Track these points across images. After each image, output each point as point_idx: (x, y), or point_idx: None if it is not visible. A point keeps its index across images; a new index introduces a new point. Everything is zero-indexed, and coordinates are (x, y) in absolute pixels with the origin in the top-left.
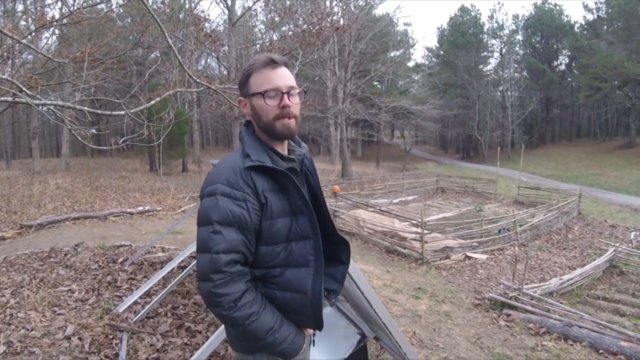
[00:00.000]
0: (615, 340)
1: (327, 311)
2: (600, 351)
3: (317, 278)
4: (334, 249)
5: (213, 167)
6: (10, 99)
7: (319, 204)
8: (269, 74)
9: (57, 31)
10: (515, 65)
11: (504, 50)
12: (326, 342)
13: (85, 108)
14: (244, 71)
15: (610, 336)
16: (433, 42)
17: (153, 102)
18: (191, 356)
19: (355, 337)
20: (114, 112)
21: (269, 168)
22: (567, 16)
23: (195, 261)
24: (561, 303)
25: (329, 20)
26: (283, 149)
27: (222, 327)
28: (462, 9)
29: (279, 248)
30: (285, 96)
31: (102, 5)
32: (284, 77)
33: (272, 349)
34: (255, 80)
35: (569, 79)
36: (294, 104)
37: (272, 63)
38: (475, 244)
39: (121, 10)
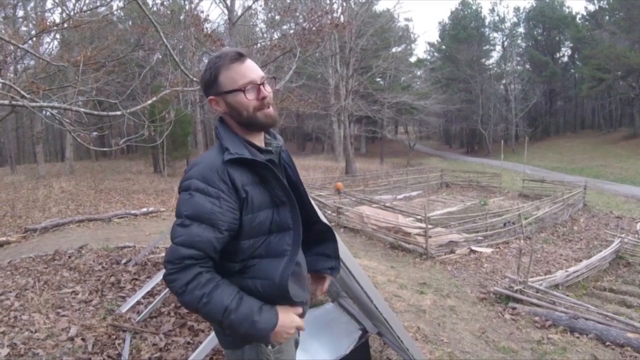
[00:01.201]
0: (622, 332)
1: (329, 307)
2: (607, 343)
3: (288, 265)
4: (319, 236)
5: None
6: (6, 102)
7: (300, 195)
8: (241, 69)
9: (58, 36)
10: (518, 58)
11: (506, 43)
12: (328, 337)
13: (82, 109)
14: (210, 69)
15: (616, 328)
16: (434, 37)
17: (150, 101)
18: (193, 355)
19: (356, 332)
20: (111, 113)
21: (248, 160)
22: (568, 7)
23: None
24: (567, 295)
25: (329, 17)
26: (260, 141)
27: None
28: (463, 3)
29: (260, 241)
30: (262, 87)
31: (102, 9)
32: (254, 69)
33: (237, 329)
34: (227, 77)
35: (572, 70)
36: (270, 92)
37: (240, 57)
38: (480, 237)
39: (121, 14)
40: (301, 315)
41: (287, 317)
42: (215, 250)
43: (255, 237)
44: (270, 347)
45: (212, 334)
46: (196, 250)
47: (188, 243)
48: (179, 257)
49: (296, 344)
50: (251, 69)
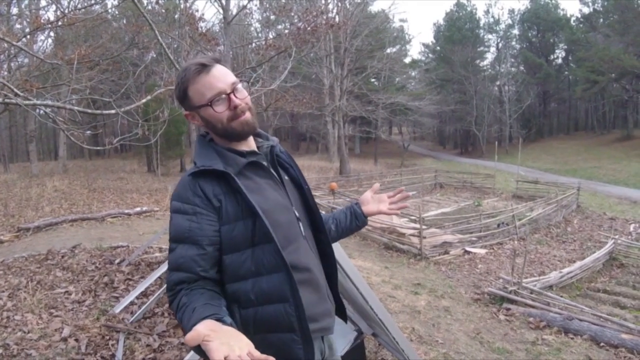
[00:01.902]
0: (616, 332)
1: None
2: (601, 344)
3: (292, 282)
4: (322, 250)
5: None
6: (0, 100)
7: (304, 195)
8: (206, 80)
9: (52, 34)
10: (512, 60)
11: (500, 44)
12: None
13: (76, 108)
14: (179, 86)
15: (611, 329)
16: (429, 38)
17: (144, 100)
18: (187, 356)
19: (351, 333)
20: (105, 112)
21: (209, 170)
22: (563, 9)
23: None
24: (561, 296)
25: (324, 17)
26: (248, 146)
27: None
28: (458, 4)
29: (243, 255)
30: (232, 95)
31: (97, 7)
32: (221, 77)
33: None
34: (195, 92)
35: (566, 72)
36: (242, 98)
37: (204, 67)
38: (474, 238)
39: (116, 12)
40: (328, 328)
41: (204, 327)
42: (203, 268)
43: (237, 250)
44: None
45: None
46: (184, 272)
47: (175, 266)
48: (172, 283)
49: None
50: (217, 78)
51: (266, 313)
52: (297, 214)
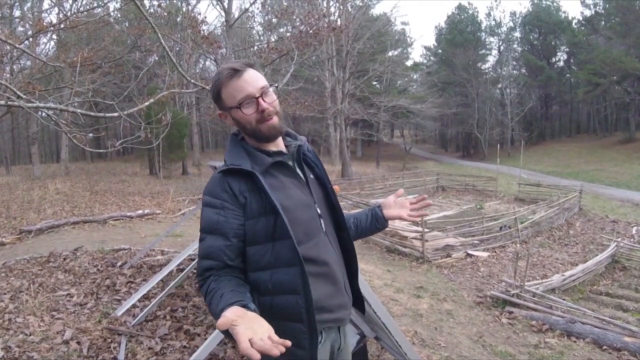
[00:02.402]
0: (619, 335)
1: None
2: (604, 347)
3: (305, 277)
4: (344, 246)
5: (211, 168)
6: (3, 102)
7: (327, 193)
8: (237, 84)
9: (54, 36)
10: (514, 63)
11: (502, 47)
12: None
13: (79, 110)
14: (213, 87)
15: (613, 332)
16: (431, 41)
17: (147, 103)
18: (190, 359)
19: (354, 337)
20: (108, 114)
21: (236, 169)
22: (564, 12)
23: (193, 263)
24: (564, 299)
25: (326, 20)
26: (276, 146)
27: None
28: (460, 7)
29: (265, 248)
30: (260, 100)
31: (99, 10)
32: (251, 81)
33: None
34: (227, 94)
35: (568, 75)
36: (271, 102)
37: (236, 72)
38: (476, 241)
39: (118, 15)
40: (343, 319)
41: (232, 313)
42: (229, 258)
43: (258, 243)
44: None
45: (209, 338)
46: (212, 260)
47: (205, 255)
48: (201, 270)
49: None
50: (248, 82)
51: (280, 302)
52: (319, 211)
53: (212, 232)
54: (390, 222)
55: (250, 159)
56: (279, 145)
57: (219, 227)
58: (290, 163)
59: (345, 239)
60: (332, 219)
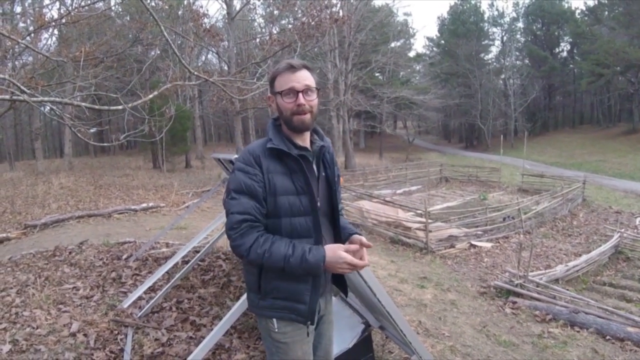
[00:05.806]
0: (622, 326)
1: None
2: (607, 337)
3: (317, 224)
4: (337, 241)
5: (215, 161)
6: (7, 97)
7: (332, 195)
8: (289, 77)
9: (56, 31)
10: (517, 53)
11: (505, 38)
12: None
13: (83, 104)
14: (273, 74)
15: (617, 322)
16: (433, 32)
17: (151, 96)
18: (196, 350)
19: (359, 326)
20: (112, 107)
21: (283, 152)
22: (567, 2)
23: (198, 255)
24: (567, 290)
25: (328, 12)
26: (303, 140)
27: (225, 319)
28: None
29: (283, 222)
30: (300, 95)
31: (101, 4)
32: (301, 78)
33: (297, 270)
34: (279, 82)
35: (571, 65)
36: (309, 100)
37: (292, 68)
38: (479, 232)
39: (120, 9)
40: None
41: (334, 253)
42: (261, 213)
43: (277, 217)
44: (308, 326)
45: (215, 328)
46: (247, 214)
47: (241, 210)
48: (237, 221)
49: (308, 335)
50: (297, 78)
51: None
52: (319, 204)
53: (245, 193)
54: (394, 213)
55: (286, 145)
56: (305, 140)
57: (251, 190)
58: (311, 159)
59: (337, 235)
60: (329, 216)
